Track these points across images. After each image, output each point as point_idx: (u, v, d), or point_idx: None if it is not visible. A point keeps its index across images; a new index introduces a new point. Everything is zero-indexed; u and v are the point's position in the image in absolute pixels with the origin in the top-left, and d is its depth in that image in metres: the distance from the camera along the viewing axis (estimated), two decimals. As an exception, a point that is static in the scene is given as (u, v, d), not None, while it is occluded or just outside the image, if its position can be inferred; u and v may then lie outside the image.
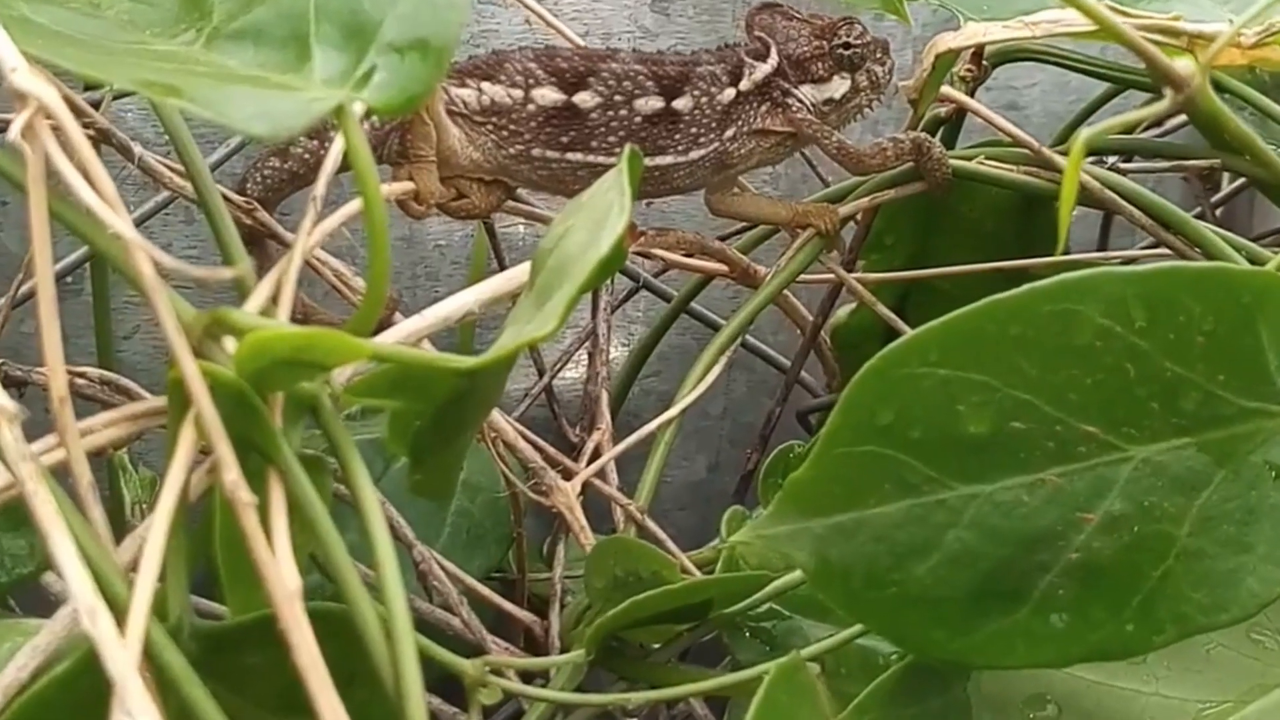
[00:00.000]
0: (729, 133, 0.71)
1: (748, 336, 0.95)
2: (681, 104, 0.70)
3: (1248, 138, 0.43)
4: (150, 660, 0.44)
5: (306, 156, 0.67)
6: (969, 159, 0.73)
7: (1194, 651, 0.63)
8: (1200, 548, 0.52)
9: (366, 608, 0.46)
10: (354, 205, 0.59)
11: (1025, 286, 0.50)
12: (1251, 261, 0.65)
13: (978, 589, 0.52)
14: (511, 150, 0.68)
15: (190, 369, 0.44)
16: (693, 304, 0.89)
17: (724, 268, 0.77)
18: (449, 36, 0.48)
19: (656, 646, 0.63)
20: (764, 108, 0.72)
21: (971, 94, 0.78)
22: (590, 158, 0.67)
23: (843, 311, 0.89)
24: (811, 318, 0.87)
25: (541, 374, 0.91)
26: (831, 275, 0.80)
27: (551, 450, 0.68)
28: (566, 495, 0.65)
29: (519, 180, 0.70)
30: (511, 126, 0.68)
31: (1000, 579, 0.52)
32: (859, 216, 0.80)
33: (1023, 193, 0.76)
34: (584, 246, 0.51)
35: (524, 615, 0.66)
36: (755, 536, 0.52)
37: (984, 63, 0.79)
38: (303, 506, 0.46)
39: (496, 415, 0.66)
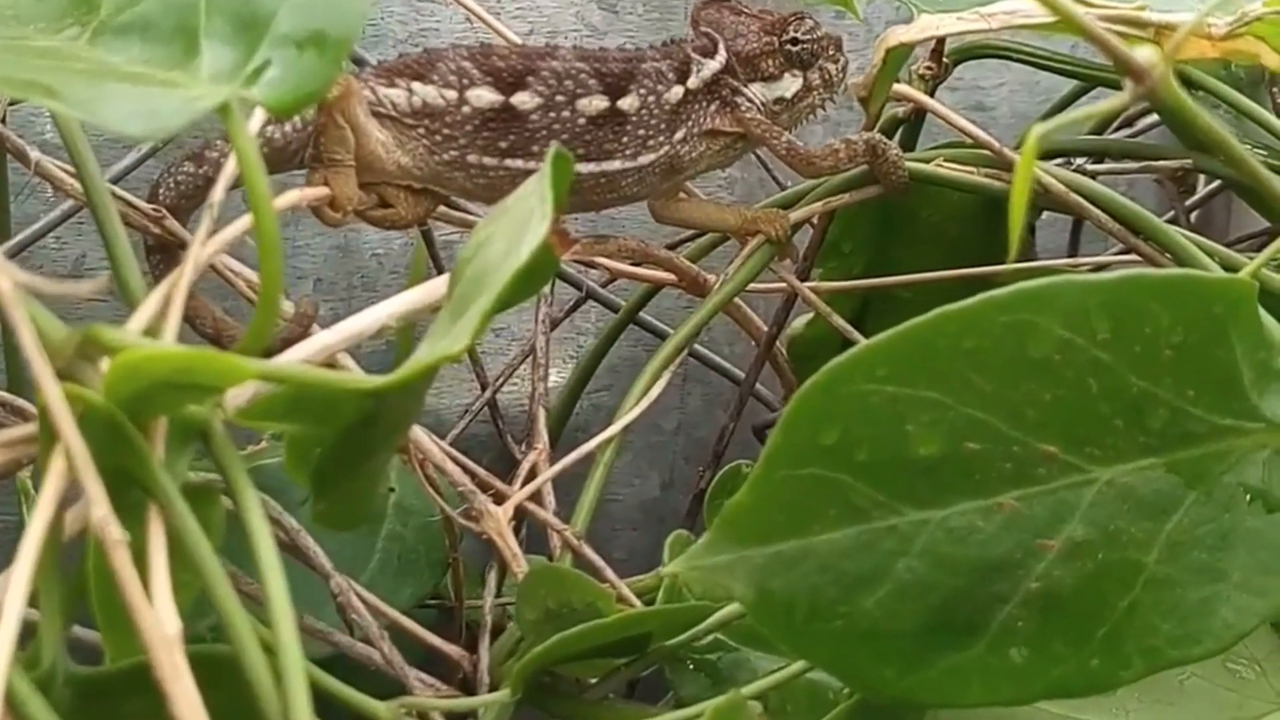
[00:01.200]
0: (679, 135, 0.67)
1: (701, 349, 0.92)
2: (627, 103, 0.65)
3: (1216, 134, 0.40)
4: (13, 712, 0.40)
5: (223, 161, 0.63)
6: (927, 161, 0.69)
7: (1166, 683, 0.59)
8: (1170, 576, 0.49)
9: (254, 650, 0.42)
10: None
11: (979, 296, 0.47)
12: (1226, 268, 0.61)
13: (930, 622, 0.48)
14: (445, 156, 0.64)
15: (53, 394, 0.40)
16: (643, 315, 0.85)
17: (672, 277, 0.73)
18: (348, 28, 0.44)
19: (594, 682, 0.59)
20: (713, 107, 0.68)
21: (932, 93, 0.75)
22: (531, 164, 0.63)
23: (799, 322, 0.85)
24: (766, 329, 0.83)
25: (484, 388, 0.87)
26: (784, 285, 0.76)
27: (482, 472, 0.64)
28: (497, 520, 0.61)
29: (452, 189, 0.66)
30: (445, 130, 0.63)
31: (954, 611, 0.48)
32: (814, 221, 0.76)
33: (986, 196, 0.72)
34: (503, 256, 0.47)
35: (451, 650, 0.62)
36: (690, 567, 0.48)
37: (945, 60, 0.75)
38: (184, 542, 0.42)
39: (423, 435, 0.62)
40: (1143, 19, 0.49)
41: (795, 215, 0.68)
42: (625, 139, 0.65)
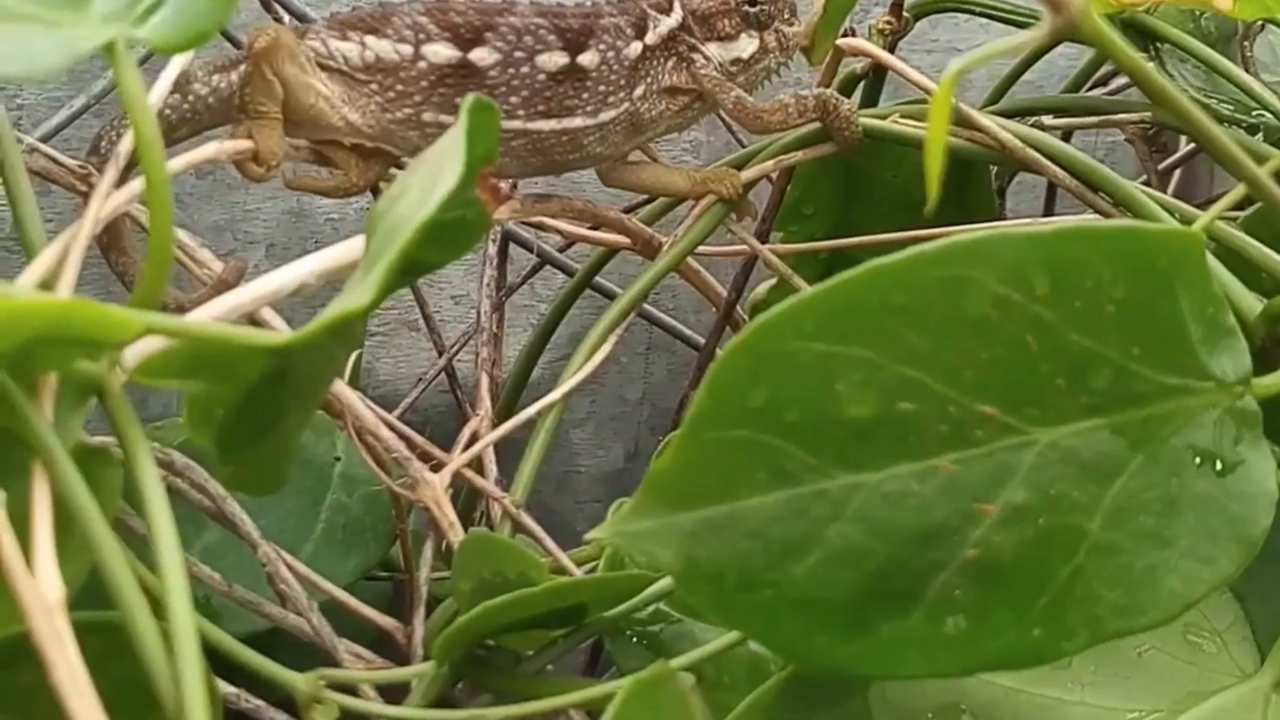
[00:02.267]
0: (638, 91, 0.65)
1: (664, 316, 0.90)
2: (587, 59, 0.63)
3: (1147, 76, 0.38)
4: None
5: (168, 113, 0.60)
6: (883, 117, 0.67)
7: (1123, 655, 0.57)
8: (1114, 542, 0.46)
9: (143, 618, 0.40)
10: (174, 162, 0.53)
11: (911, 249, 0.44)
12: (1184, 224, 0.59)
13: (864, 590, 0.46)
14: (399, 114, 0.62)
15: (-82, 348, 0.38)
16: (603, 281, 0.83)
17: (625, 239, 0.71)
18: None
19: (531, 654, 0.57)
20: (670, 63, 0.66)
21: (892, 49, 0.73)
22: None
23: (762, 287, 0.83)
24: (726, 294, 0.81)
25: (440, 354, 0.85)
26: (744, 247, 0.74)
27: (421, 440, 0.62)
28: (433, 489, 0.59)
29: (405, 149, 0.64)
30: (399, 87, 0.61)
31: (889, 579, 0.46)
32: (773, 178, 0.74)
33: (952, 158, 0.69)
34: (415, 208, 0.45)
35: (387, 621, 0.60)
36: (615, 533, 0.46)
37: (905, 15, 0.73)
38: (69, 505, 0.40)
39: (358, 403, 0.60)
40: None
41: (747, 174, 0.66)
42: (586, 95, 0.63)
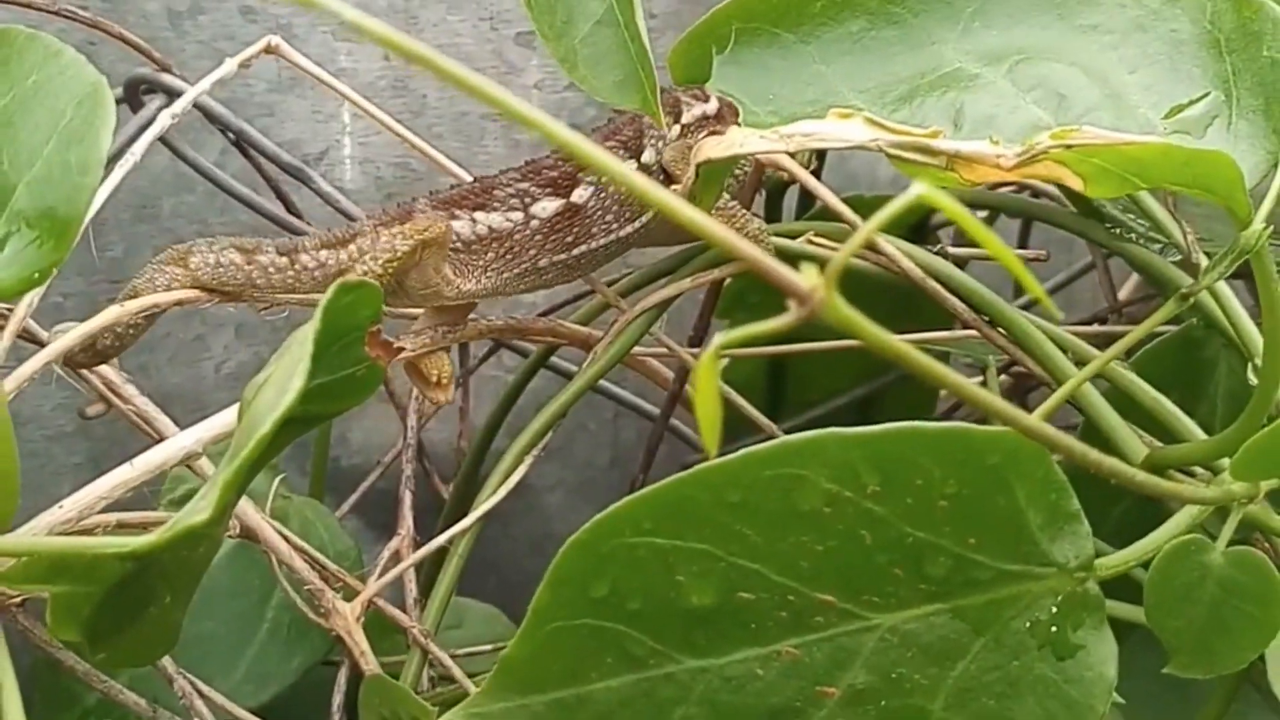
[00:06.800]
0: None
1: (616, 389, 0.91)
2: (646, 157, 0.67)
3: (890, 344, 0.38)
4: None
5: (274, 275, 0.63)
6: (795, 235, 0.67)
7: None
8: (956, 723, 0.48)
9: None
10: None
11: (740, 452, 0.46)
12: (1063, 348, 0.59)
13: (711, 771, 0.48)
14: (515, 270, 0.65)
15: None
16: (557, 360, 0.84)
17: (561, 340, 0.72)
18: (79, 206, 0.43)
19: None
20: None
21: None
22: (594, 244, 0.65)
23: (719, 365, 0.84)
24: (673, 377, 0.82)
25: (406, 431, 0.87)
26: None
27: (332, 566, 0.64)
28: (345, 619, 0.61)
29: (516, 292, 0.67)
30: (515, 248, 0.65)
31: (736, 760, 0.48)
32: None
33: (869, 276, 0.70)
34: (267, 410, 0.47)
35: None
36: (468, 715, 0.48)
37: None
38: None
39: (271, 533, 0.62)
40: (933, 147, 0.48)
41: (668, 291, 0.67)
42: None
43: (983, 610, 0.48)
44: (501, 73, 0.91)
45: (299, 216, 0.82)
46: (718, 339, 0.37)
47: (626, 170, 0.34)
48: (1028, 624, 0.48)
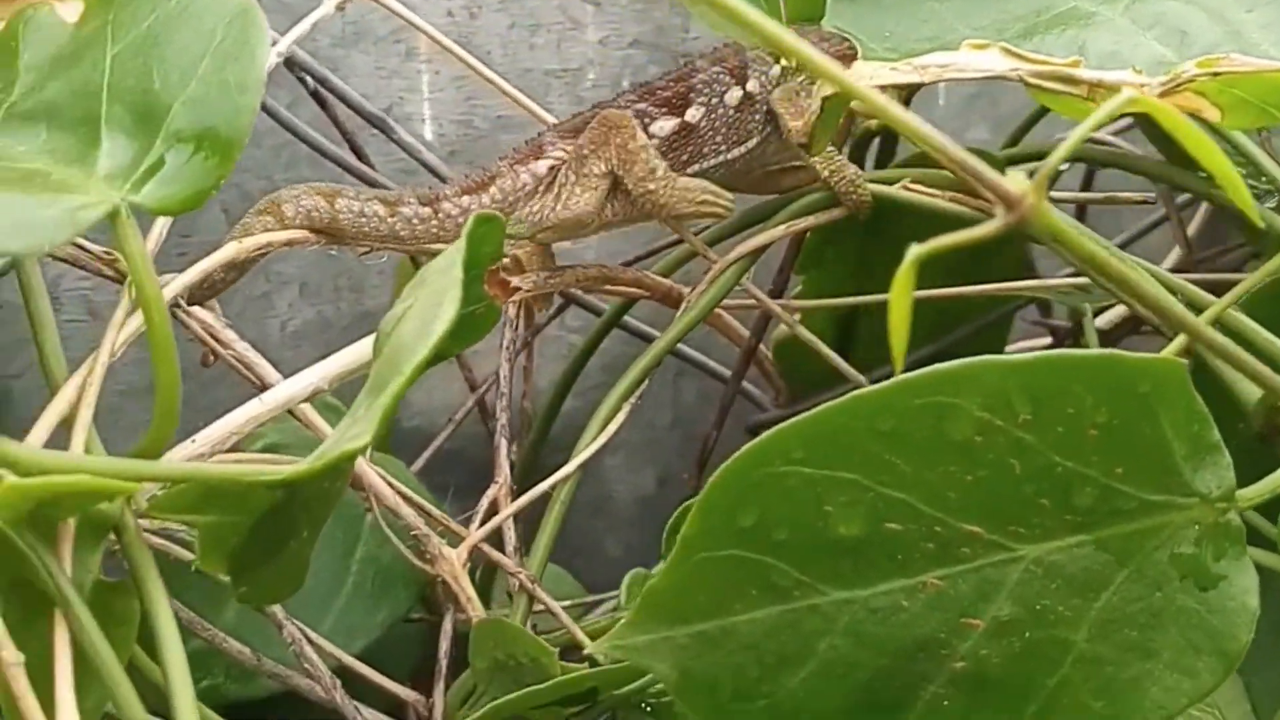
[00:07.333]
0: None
1: (689, 350, 0.91)
2: (751, 85, 0.69)
3: (1090, 254, 0.38)
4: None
5: (418, 225, 0.63)
6: (892, 182, 0.67)
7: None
8: (1100, 654, 0.48)
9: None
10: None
11: (895, 379, 0.46)
12: (1191, 305, 0.60)
13: (855, 701, 0.48)
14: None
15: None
16: (629, 319, 0.84)
17: (643, 292, 0.72)
18: (241, 126, 0.43)
19: (547, 728, 0.59)
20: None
21: (908, 101, 0.73)
22: (705, 163, 0.68)
23: (783, 329, 0.84)
24: (749, 335, 0.82)
25: (473, 388, 0.87)
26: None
27: (438, 514, 0.63)
28: (451, 564, 0.61)
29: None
30: None
31: (879, 690, 0.48)
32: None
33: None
34: (416, 337, 0.47)
35: (407, 694, 0.62)
36: (613, 647, 0.48)
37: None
38: (86, 653, 0.42)
39: (378, 480, 0.62)
40: (1075, 76, 0.48)
41: (760, 239, 0.67)
42: (757, 117, 0.68)
43: (1126, 541, 0.48)
44: (565, 29, 0.91)
45: (372, 167, 0.81)
46: (913, 250, 0.37)
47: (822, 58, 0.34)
48: (1170, 555, 0.48)
